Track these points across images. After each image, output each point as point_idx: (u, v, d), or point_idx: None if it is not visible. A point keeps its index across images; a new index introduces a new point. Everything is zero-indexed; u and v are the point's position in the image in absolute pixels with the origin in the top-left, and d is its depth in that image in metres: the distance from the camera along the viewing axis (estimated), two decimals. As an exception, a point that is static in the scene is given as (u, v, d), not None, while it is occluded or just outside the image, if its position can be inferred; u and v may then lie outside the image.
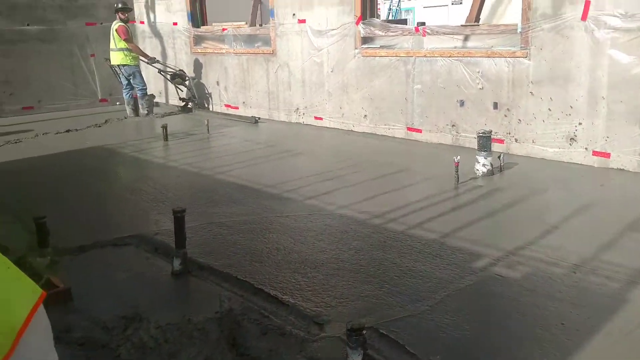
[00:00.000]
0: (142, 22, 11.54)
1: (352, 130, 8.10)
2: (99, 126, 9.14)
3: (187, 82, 10.34)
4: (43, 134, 8.46)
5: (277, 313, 3.17)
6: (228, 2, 11.67)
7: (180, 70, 10.45)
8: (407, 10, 25.87)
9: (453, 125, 6.99)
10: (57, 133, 8.57)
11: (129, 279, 3.71)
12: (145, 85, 9.93)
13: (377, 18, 8.08)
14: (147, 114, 9.81)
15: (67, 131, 8.69)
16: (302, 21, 8.51)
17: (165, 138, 7.77)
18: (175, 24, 10.70)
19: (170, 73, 10.38)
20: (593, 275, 3.47)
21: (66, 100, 10.83)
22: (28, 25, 10.26)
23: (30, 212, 4.22)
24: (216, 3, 11.24)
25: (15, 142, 7.92)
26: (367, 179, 5.79)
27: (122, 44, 9.51)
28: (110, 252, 4.16)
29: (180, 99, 10.55)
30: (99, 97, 11.12)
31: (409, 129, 7.46)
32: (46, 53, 10.53)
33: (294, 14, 8.62)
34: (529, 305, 3.17)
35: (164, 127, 7.77)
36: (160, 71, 10.44)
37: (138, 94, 9.80)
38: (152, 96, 10.24)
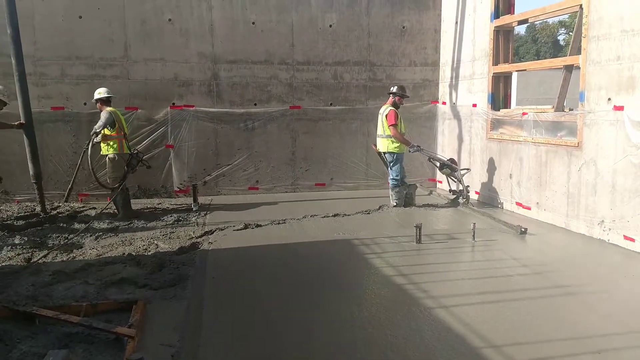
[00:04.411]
0: (444, 103, 10.72)
1: (676, 266, 5.58)
2: (368, 213, 8.51)
3: (456, 174, 8.99)
4: (310, 216, 8.22)
5: None
6: (542, 82, 9.98)
7: (450, 159, 9.23)
8: None
9: None
10: (324, 217, 8.23)
11: None
12: (398, 175, 8.90)
13: None
14: (395, 206, 8.82)
15: (335, 215, 8.29)
16: (619, 108, 6.40)
17: (418, 240, 6.62)
18: (474, 105, 9.54)
19: (439, 162, 9.25)
20: None
21: (357, 180, 10.67)
22: (331, 104, 10.46)
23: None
24: (528, 82, 9.68)
25: (279, 223, 7.80)
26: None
27: (390, 131, 8.78)
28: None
29: (450, 190, 9.32)
30: (388, 180, 10.59)
31: None
32: (344, 132, 10.58)
33: (609, 99, 6.57)
34: None
35: (418, 227, 6.64)
36: (430, 159, 9.42)
37: (390, 183, 8.94)
38: (414, 186, 9.20)
